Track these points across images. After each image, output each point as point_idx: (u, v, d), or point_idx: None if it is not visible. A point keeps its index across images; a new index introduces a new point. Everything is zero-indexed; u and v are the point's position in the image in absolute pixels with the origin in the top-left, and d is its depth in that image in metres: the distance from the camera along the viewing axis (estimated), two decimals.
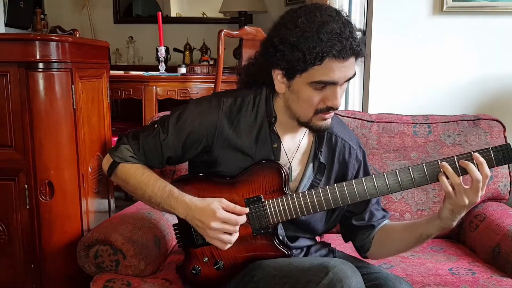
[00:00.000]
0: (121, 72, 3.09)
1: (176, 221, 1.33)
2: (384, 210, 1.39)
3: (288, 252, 1.27)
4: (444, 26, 2.23)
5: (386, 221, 1.37)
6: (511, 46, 2.24)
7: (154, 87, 2.79)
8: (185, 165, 1.60)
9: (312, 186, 1.30)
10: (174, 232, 1.35)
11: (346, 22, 1.14)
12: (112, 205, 2.09)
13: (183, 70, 3.27)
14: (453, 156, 1.14)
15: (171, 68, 3.31)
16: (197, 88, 2.89)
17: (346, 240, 1.44)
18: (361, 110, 2.39)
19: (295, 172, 1.32)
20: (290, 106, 1.23)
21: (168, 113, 1.33)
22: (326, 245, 1.43)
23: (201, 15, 4.84)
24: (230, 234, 1.18)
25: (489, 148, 1.14)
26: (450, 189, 1.13)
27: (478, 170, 1.11)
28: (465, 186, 1.12)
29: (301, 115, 1.22)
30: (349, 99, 2.44)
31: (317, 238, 1.47)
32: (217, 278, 1.29)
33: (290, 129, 1.30)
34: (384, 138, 1.86)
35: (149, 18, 4.73)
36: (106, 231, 1.43)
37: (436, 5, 2.22)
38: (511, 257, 1.52)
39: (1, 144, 1.61)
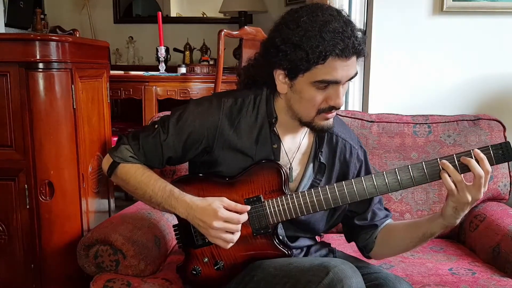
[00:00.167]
0: (121, 72, 3.09)
1: (176, 221, 1.33)
2: (386, 209, 1.39)
3: (288, 252, 1.27)
4: (444, 26, 2.24)
5: (388, 221, 1.37)
6: (511, 46, 2.24)
7: (154, 87, 2.79)
8: (185, 165, 1.61)
9: (312, 186, 1.30)
10: (174, 233, 1.35)
11: (347, 21, 1.14)
12: (112, 205, 2.09)
13: (183, 70, 3.27)
14: (453, 155, 1.15)
15: (171, 68, 3.31)
16: (197, 88, 2.89)
17: (349, 241, 1.44)
18: (361, 110, 2.39)
19: (295, 172, 1.32)
20: (292, 106, 1.23)
21: (168, 113, 1.33)
22: (326, 245, 1.43)
23: (201, 15, 4.84)
24: (232, 233, 1.18)
25: (488, 146, 1.14)
26: (453, 186, 1.14)
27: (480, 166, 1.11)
28: (467, 183, 1.13)
29: (304, 115, 1.22)
30: (349, 99, 2.44)
31: (317, 238, 1.47)
32: (217, 278, 1.29)
33: (291, 130, 1.30)
34: (384, 138, 1.86)
35: (149, 18, 4.73)
36: (106, 231, 1.43)
37: (436, 5, 2.22)
38: (511, 257, 1.52)
39: (1, 144, 1.61)
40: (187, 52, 4.46)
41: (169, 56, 3.41)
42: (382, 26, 2.25)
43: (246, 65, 1.33)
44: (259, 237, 1.25)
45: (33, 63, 1.57)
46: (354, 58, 1.15)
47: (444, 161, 1.14)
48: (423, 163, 1.16)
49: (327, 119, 1.22)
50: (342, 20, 1.13)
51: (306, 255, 1.37)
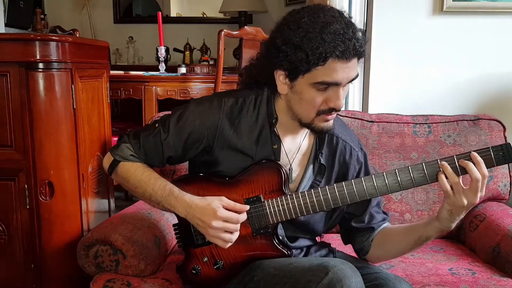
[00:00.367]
0: (121, 72, 3.09)
1: (176, 221, 1.33)
2: (385, 213, 1.39)
3: (288, 252, 1.27)
4: (444, 26, 2.24)
5: (386, 224, 1.37)
6: (511, 46, 2.24)
7: (154, 87, 2.79)
8: (185, 165, 1.61)
9: (311, 187, 1.30)
10: (174, 232, 1.35)
11: (349, 23, 1.14)
12: (112, 205, 2.09)
13: (183, 70, 3.27)
14: (453, 156, 1.14)
15: (171, 68, 3.31)
16: (197, 88, 2.89)
17: (345, 243, 1.44)
18: (361, 110, 2.39)
19: (295, 173, 1.32)
20: (292, 107, 1.23)
21: (169, 112, 1.34)
22: (326, 245, 1.43)
23: (201, 15, 4.84)
24: (231, 232, 1.18)
25: (489, 147, 1.14)
26: (449, 187, 1.13)
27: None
28: (464, 186, 1.12)
29: (303, 116, 1.22)
30: (349, 99, 2.44)
31: (317, 238, 1.47)
32: (217, 278, 1.29)
33: (291, 130, 1.30)
34: (384, 138, 1.86)
35: (149, 18, 4.73)
36: (106, 231, 1.43)
37: (436, 5, 2.22)
38: (511, 257, 1.52)
39: (1, 144, 1.61)
40: (187, 52, 4.47)
41: (169, 56, 3.41)
42: (382, 26, 2.25)
43: (247, 65, 1.33)
44: (258, 237, 1.25)
45: (33, 63, 1.57)
46: (354, 60, 1.14)
47: (443, 162, 1.14)
48: (423, 164, 1.16)
49: (327, 120, 1.22)
50: (343, 22, 1.13)
51: (306, 255, 1.37)
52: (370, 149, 1.83)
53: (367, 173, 1.38)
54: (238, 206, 1.20)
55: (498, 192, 1.84)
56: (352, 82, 1.19)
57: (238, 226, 1.19)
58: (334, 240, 1.69)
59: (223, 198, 1.20)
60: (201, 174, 1.32)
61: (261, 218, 1.24)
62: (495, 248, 1.60)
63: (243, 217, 1.20)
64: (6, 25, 3.47)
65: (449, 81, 2.28)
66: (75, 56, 1.69)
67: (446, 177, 1.13)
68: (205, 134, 1.26)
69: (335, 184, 1.21)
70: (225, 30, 2.64)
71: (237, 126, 1.27)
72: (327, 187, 1.21)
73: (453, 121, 1.88)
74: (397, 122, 1.88)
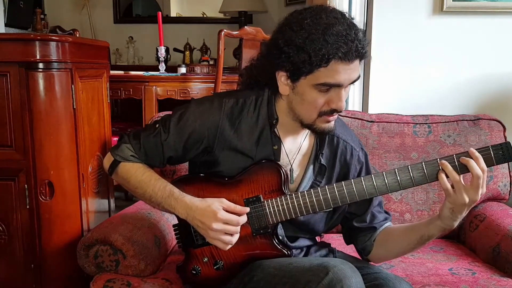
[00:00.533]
0: (121, 72, 3.09)
1: (176, 221, 1.33)
2: (386, 212, 1.39)
3: (287, 252, 1.26)
4: (444, 26, 2.24)
5: (388, 224, 1.37)
6: (511, 46, 2.24)
7: (154, 87, 2.79)
8: (185, 165, 1.61)
9: (312, 188, 1.29)
10: (174, 233, 1.35)
11: (351, 25, 1.13)
12: (112, 205, 2.09)
13: (183, 70, 3.27)
14: (453, 155, 1.14)
15: (171, 68, 3.31)
16: (197, 88, 2.89)
17: (347, 243, 1.43)
18: (361, 110, 2.39)
19: (296, 173, 1.31)
20: (294, 108, 1.23)
21: (169, 112, 1.33)
22: (326, 245, 1.43)
23: (201, 15, 4.84)
24: (231, 234, 1.18)
25: (488, 146, 1.14)
26: (449, 186, 1.13)
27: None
28: (464, 184, 1.12)
29: (305, 117, 1.22)
30: (349, 99, 2.43)
31: (317, 238, 1.47)
32: (217, 278, 1.29)
33: (292, 131, 1.30)
34: (384, 138, 1.86)
35: (149, 18, 4.73)
36: (106, 231, 1.43)
37: (436, 5, 2.22)
38: (511, 257, 1.52)
39: (1, 144, 1.61)
40: (187, 52, 4.47)
41: (169, 56, 3.41)
42: (382, 26, 2.25)
43: (248, 66, 1.33)
44: (258, 237, 1.25)
45: (33, 63, 1.57)
46: (357, 62, 1.14)
47: (444, 161, 1.14)
48: (423, 163, 1.16)
49: (329, 121, 1.22)
50: (346, 23, 1.12)
51: (306, 255, 1.37)
52: (370, 149, 1.83)
53: (368, 173, 1.38)
54: (238, 208, 1.20)
55: (498, 192, 1.84)
56: (354, 83, 1.19)
57: (238, 228, 1.19)
58: (334, 240, 1.69)
59: (224, 200, 1.20)
60: (201, 175, 1.32)
61: (261, 218, 1.24)
62: (495, 248, 1.60)
63: (243, 219, 1.20)
64: (6, 25, 3.47)
65: (449, 81, 2.28)
66: (75, 56, 1.69)
67: (447, 176, 1.13)
68: (206, 135, 1.26)
69: (334, 184, 1.21)
70: (225, 30, 2.64)
71: (237, 127, 1.27)
72: (326, 186, 1.21)
73: (453, 121, 1.88)
74: (397, 122, 1.88)
